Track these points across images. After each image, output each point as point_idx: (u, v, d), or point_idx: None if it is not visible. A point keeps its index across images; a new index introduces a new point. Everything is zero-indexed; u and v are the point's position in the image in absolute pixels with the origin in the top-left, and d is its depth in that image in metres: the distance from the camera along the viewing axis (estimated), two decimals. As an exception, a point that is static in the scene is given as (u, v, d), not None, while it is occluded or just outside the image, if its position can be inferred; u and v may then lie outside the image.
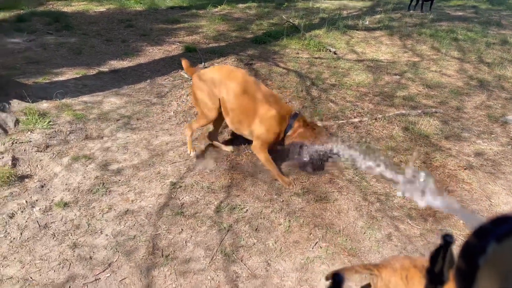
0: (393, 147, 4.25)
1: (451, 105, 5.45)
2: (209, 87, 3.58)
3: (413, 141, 4.41)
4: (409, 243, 3.04)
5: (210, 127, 4.03)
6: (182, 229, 3.06)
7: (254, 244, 2.95)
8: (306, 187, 3.60)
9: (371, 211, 3.33)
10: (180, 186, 3.50)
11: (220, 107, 3.62)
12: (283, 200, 3.41)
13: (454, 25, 9.85)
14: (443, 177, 3.83)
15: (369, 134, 4.54)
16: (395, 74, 6.51)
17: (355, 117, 4.92)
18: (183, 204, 3.31)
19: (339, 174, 3.80)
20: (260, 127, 3.52)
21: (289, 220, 3.19)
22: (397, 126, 4.74)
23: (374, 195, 3.52)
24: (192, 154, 3.90)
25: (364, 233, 3.11)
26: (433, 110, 5.19)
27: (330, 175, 3.79)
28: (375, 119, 4.86)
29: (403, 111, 5.10)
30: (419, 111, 5.12)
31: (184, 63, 3.87)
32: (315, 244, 2.97)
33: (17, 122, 4.18)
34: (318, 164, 3.78)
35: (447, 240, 0.57)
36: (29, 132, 4.05)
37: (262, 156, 3.63)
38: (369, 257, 2.87)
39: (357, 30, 9.12)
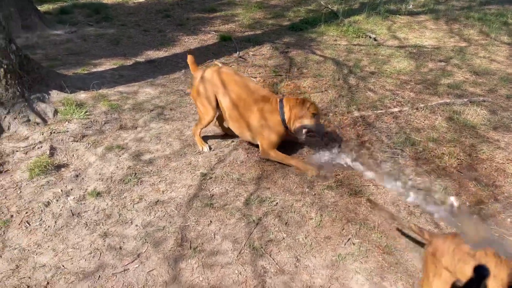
0: (435, 139, 4.00)
1: (501, 93, 5.07)
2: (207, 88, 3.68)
3: (458, 132, 4.13)
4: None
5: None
6: (211, 221, 3.02)
7: (284, 238, 2.86)
8: (340, 180, 3.46)
9: (409, 206, 3.15)
10: (211, 177, 3.46)
11: (217, 107, 3.74)
12: (315, 194, 3.29)
13: (504, 9, 9.17)
14: (490, 171, 3.56)
15: (409, 124, 4.30)
16: (440, 61, 6.15)
17: (394, 107, 4.68)
18: (212, 195, 3.27)
19: (376, 166, 3.62)
20: (258, 133, 3.62)
21: (321, 215, 3.07)
22: (440, 116, 4.46)
23: (413, 189, 3.32)
24: (205, 149, 3.87)
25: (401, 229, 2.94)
26: (481, 98, 4.84)
27: (366, 167, 3.61)
28: (416, 108, 4.60)
29: (448, 100, 4.80)
30: (465, 99, 4.79)
31: (189, 58, 3.88)
32: (348, 241, 2.84)
33: (55, 112, 4.28)
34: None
35: (481, 273, 0.46)
36: (66, 122, 4.15)
37: (274, 157, 3.61)
38: (405, 256, 2.71)
39: (399, 14, 8.69)
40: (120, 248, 2.79)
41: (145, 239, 2.85)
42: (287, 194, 3.28)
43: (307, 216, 3.06)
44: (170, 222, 3.01)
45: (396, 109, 4.60)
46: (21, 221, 3.00)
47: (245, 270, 2.62)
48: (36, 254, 2.74)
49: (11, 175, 3.46)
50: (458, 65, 5.98)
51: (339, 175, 3.52)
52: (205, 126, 3.89)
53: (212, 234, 2.90)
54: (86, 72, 5.49)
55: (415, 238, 2.78)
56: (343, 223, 2.99)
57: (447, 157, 3.72)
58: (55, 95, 4.51)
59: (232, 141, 4.01)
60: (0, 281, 2.54)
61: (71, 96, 4.55)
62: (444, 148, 3.85)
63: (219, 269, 2.63)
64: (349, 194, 3.28)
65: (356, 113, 4.52)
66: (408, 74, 5.63)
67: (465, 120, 4.35)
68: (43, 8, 8.47)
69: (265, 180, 3.45)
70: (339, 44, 6.89)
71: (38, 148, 3.79)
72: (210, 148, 3.89)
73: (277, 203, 3.18)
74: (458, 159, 3.71)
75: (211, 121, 3.84)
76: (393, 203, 3.19)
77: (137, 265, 2.66)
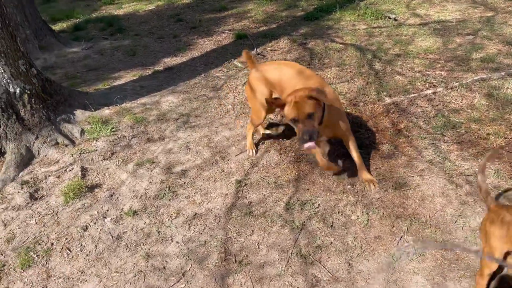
0: (477, 119, 3.77)
1: (540, 61, 4.76)
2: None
3: (500, 109, 3.88)
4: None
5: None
6: (252, 231, 2.91)
7: (332, 243, 2.73)
8: (382, 173, 3.29)
9: (460, 195, 2.95)
10: (246, 184, 3.35)
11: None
12: (357, 191, 3.14)
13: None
14: (542, 148, 3.32)
15: (446, 106, 4.07)
16: (468, 34, 5.84)
17: (427, 89, 4.45)
18: (250, 202, 3.16)
19: (417, 155, 3.43)
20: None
21: (367, 213, 2.91)
22: (478, 93, 4.21)
23: (461, 177, 3.12)
24: (251, 153, 3.74)
25: (456, 221, 2.75)
26: (519, 70, 4.56)
27: (406, 157, 3.43)
28: (451, 88, 4.36)
29: (483, 76, 4.53)
30: (502, 73, 4.51)
31: (245, 54, 3.66)
32: (400, 239, 2.68)
33: (82, 132, 4.25)
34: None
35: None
36: (94, 141, 4.11)
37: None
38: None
39: (417, -10, 8.33)
40: (164, 268, 2.71)
41: (188, 256, 2.77)
42: (328, 194, 3.14)
43: (353, 216, 2.91)
44: (211, 235, 2.91)
45: (429, 91, 4.38)
46: (62, 248, 2.96)
47: (296, 281, 2.50)
48: (81, 281, 2.70)
49: (47, 201, 3.44)
50: (488, 36, 5.66)
51: (379, 168, 3.35)
52: (255, 128, 3.78)
53: (256, 245, 2.79)
54: (107, 87, 5.45)
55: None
56: (392, 220, 2.83)
57: (493, 137, 3.49)
58: (80, 115, 4.48)
59: (263, 143, 3.89)
60: (49, 313, 2.51)
61: (96, 114, 4.52)
62: (488, 127, 3.62)
63: (269, 282, 2.52)
64: (394, 188, 3.11)
65: (387, 100, 4.32)
66: (436, 52, 5.36)
67: (506, 95, 4.09)
68: (57, 27, 8.51)
69: (303, 181, 3.31)
70: (358, 29, 6.65)
71: (70, 170, 3.76)
72: (254, 153, 3.75)
73: (319, 204, 3.04)
74: (505, 138, 3.47)
75: (261, 123, 3.73)
76: (442, 193, 3.00)
77: (183, 285, 2.57)
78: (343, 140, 3.30)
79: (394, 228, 2.77)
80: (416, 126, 3.80)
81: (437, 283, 2.35)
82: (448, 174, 3.16)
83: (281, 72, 3.33)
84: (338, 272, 2.52)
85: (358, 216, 2.91)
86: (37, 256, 2.90)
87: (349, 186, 3.19)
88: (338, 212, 2.96)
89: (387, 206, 2.96)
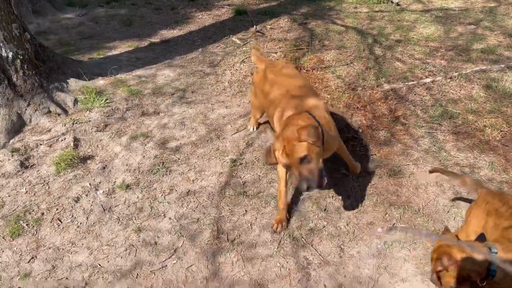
0: (474, 110, 3.77)
1: (540, 56, 4.75)
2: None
3: (498, 102, 3.89)
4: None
5: None
6: (246, 211, 2.90)
7: (324, 226, 2.74)
8: (377, 160, 3.29)
9: (454, 186, 2.97)
10: (241, 163, 3.33)
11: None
12: (352, 177, 3.13)
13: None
14: (537, 142, 3.34)
15: (444, 95, 4.06)
16: (470, 24, 5.79)
17: (426, 77, 4.43)
18: (245, 182, 3.15)
19: (413, 143, 3.43)
20: None
21: (361, 199, 2.92)
22: (477, 84, 4.20)
23: (456, 167, 3.14)
24: (250, 128, 3.73)
25: (448, 211, 2.78)
26: (519, 63, 4.54)
27: (403, 145, 3.43)
28: (450, 77, 4.34)
29: (483, 67, 4.51)
30: (502, 65, 4.50)
31: (254, 52, 3.56)
32: (392, 226, 2.70)
33: (75, 101, 4.16)
34: None
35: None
36: (87, 112, 4.03)
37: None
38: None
39: (421, -25, 8.21)
40: (156, 243, 2.71)
41: (180, 233, 2.76)
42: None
43: (346, 201, 2.92)
44: (204, 213, 2.90)
45: (428, 80, 4.35)
46: (53, 218, 2.93)
47: (287, 262, 2.51)
48: (71, 253, 2.68)
49: (38, 170, 3.39)
50: (489, 27, 5.62)
51: (375, 154, 3.35)
52: (254, 124, 3.72)
53: (249, 225, 2.79)
54: (101, 56, 5.32)
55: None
56: (385, 207, 2.85)
57: (489, 129, 3.50)
58: (74, 84, 4.38)
59: (259, 123, 3.85)
60: (39, 283, 2.50)
61: (90, 84, 4.42)
62: (485, 119, 3.63)
63: (260, 262, 2.53)
64: (388, 175, 3.11)
65: (386, 86, 4.30)
66: (437, 40, 5.32)
67: (504, 88, 4.08)
68: (51, -10, 8.23)
69: (298, 163, 3.30)
70: (360, 12, 6.55)
71: (62, 140, 3.70)
72: (253, 129, 3.73)
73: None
74: (501, 131, 3.49)
75: (257, 120, 3.67)
76: (436, 182, 3.01)
77: (174, 261, 2.57)
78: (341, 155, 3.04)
79: (386, 215, 2.79)
80: (414, 114, 3.79)
81: (427, 271, 2.38)
82: (443, 164, 3.17)
83: (273, 84, 3.05)
84: (330, 256, 2.54)
85: (351, 202, 2.91)
86: (27, 225, 2.87)
87: (344, 171, 3.19)
88: (332, 197, 2.97)
89: (381, 193, 2.97)
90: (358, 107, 3.94)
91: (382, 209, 2.83)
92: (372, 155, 3.35)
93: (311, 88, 3.13)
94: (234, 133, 3.71)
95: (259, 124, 3.77)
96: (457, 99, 3.98)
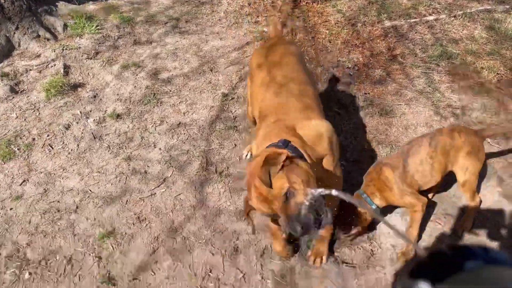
0: (474, 51, 3.67)
1: (551, -3, 4.55)
2: None
3: (498, 44, 3.78)
4: (487, 165, 2.71)
5: None
6: (235, 144, 2.93)
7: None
8: (370, 99, 3.26)
9: (443, 127, 2.98)
10: (232, 98, 3.30)
11: None
12: (343, 114, 3.13)
13: None
14: (533, 88, 3.30)
15: (446, 35, 3.93)
16: (482, -41, 5.46)
17: (430, 15, 4.25)
18: (235, 117, 3.14)
19: (408, 83, 3.38)
20: None
21: (350, 137, 2.94)
22: (480, 24, 4.06)
23: (448, 109, 3.12)
24: (244, 155, 2.92)
25: (434, 152, 2.81)
26: (527, 4, 4.36)
27: (397, 84, 3.38)
28: (454, 16, 4.18)
29: (488, 7, 4.33)
30: (507, 6, 4.31)
31: (272, 23, 2.87)
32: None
33: (65, 26, 4.03)
34: None
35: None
36: (78, 38, 3.92)
37: None
38: (438, 180, 2.62)
39: None
40: (145, 172, 2.76)
41: (170, 163, 2.80)
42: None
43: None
44: (193, 145, 2.93)
45: (431, 17, 4.19)
46: (44, 144, 2.96)
47: (272, 194, 2.58)
48: (63, 178, 2.74)
49: (28, 96, 3.36)
50: (503, -36, 5.31)
51: (368, 93, 3.31)
52: (252, 123, 2.76)
53: (237, 158, 2.83)
54: (92, -21, 5.06)
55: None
56: (373, 145, 2.87)
57: (486, 71, 3.44)
58: (63, 7, 4.21)
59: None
60: (31, 205, 2.58)
61: (80, 8, 4.25)
62: (484, 61, 3.55)
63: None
64: (379, 114, 3.11)
65: (387, 23, 4.14)
66: (445, -24, 5.04)
67: (506, 30, 3.95)
68: None
69: (290, 99, 3.27)
70: None
71: (52, 66, 3.63)
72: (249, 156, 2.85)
73: (303, 124, 3.04)
74: (498, 74, 3.43)
75: (250, 119, 2.69)
76: (426, 123, 3.02)
77: (163, 190, 2.64)
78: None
79: (374, 153, 2.82)
80: (412, 54, 3.70)
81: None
82: (435, 105, 3.16)
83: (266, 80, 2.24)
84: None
85: (341, 140, 2.93)
86: (18, 149, 2.90)
87: (336, 109, 3.18)
88: (322, 133, 2.98)
89: (370, 131, 2.98)
90: (356, 44, 3.83)
91: (370, 148, 2.86)
92: (366, 93, 3.31)
93: (315, 94, 2.26)
94: (228, 67, 3.64)
95: None
96: (458, 39, 3.87)
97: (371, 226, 2.37)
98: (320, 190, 1.44)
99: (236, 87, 3.40)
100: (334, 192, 1.31)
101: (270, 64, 2.29)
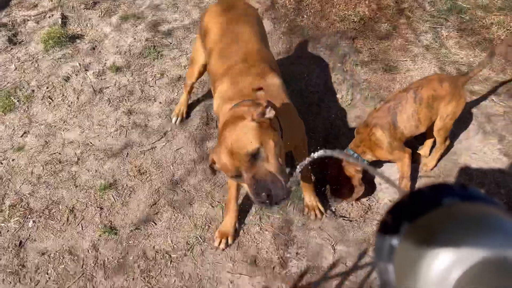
0: (485, 6, 3.53)
1: None
2: None
3: (512, -2, 3.63)
4: (488, 122, 2.69)
5: None
6: (236, 99, 2.90)
7: (311, 117, 2.76)
8: (374, 54, 3.19)
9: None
10: (234, 51, 3.23)
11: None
12: (346, 70, 3.07)
13: None
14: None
15: (456, -12, 3.78)
16: None
17: (441, -34, 4.07)
18: (237, 71, 3.09)
19: (415, 39, 3.29)
20: None
21: (352, 93, 2.90)
22: (494, -22, 3.89)
23: (454, 65, 3.06)
24: (173, 120, 2.82)
25: (437, 110, 2.78)
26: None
27: (403, 39, 3.29)
28: (467, -32, 3.99)
29: (504, -42, 4.13)
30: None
31: None
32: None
33: (62, -25, 3.88)
34: None
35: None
36: (75, -13, 3.79)
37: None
38: (439, 138, 2.60)
39: None
40: (146, 125, 2.76)
41: (170, 117, 2.79)
42: (317, 69, 3.07)
43: (338, 94, 2.90)
44: (194, 100, 2.90)
45: (443, -30, 4.01)
46: (43, 96, 2.94)
47: (272, 149, 2.58)
48: (63, 130, 2.74)
49: (26, 47, 3.30)
50: None
51: (373, 48, 3.23)
52: (188, 86, 2.69)
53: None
54: None
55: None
56: (376, 102, 2.84)
57: (495, 27, 3.33)
58: (59, -46, 4.04)
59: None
60: (32, 156, 2.60)
61: (76, -44, 4.07)
62: (494, 16, 3.42)
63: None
64: (383, 70, 3.05)
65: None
66: None
67: (521, -17, 3.78)
68: None
69: (294, 53, 3.21)
70: None
71: (49, 16, 3.54)
72: (179, 120, 2.75)
73: (305, 76, 3.00)
74: (507, 29, 3.32)
75: (193, 83, 2.65)
76: (430, 80, 2.96)
77: (164, 143, 2.65)
78: (295, 150, 2.16)
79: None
80: (420, 7, 3.57)
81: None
82: (441, 61, 3.08)
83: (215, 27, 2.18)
84: (313, 146, 2.60)
85: (342, 95, 2.90)
86: (18, 101, 2.89)
87: (338, 64, 3.11)
88: (322, 91, 2.94)
89: (373, 88, 2.94)
90: (363, -3, 3.70)
91: (372, 103, 2.82)
92: (371, 48, 3.23)
93: (270, 56, 2.19)
94: (230, 19, 3.53)
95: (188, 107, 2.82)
96: (470, -8, 3.72)
97: (369, 191, 2.37)
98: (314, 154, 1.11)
99: (238, 41, 3.31)
100: (322, 152, 1.02)
101: (227, 23, 2.17)
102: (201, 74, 2.53)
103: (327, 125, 2.71)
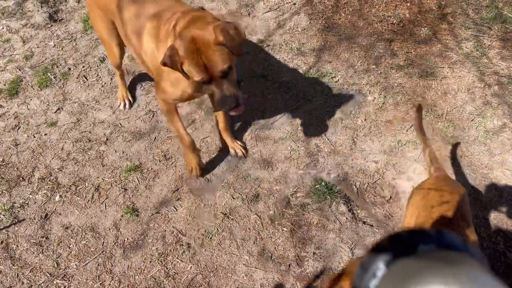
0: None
1: None
2: None
3: None
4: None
5: None
6: (263, 93, 2.89)
7: (341, 118, 2.72)
8: (411, 59, 3.11)
9: (486, 95, 2.83)
10: (268, 45, 3.21)
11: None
12: (381, 72, 3.01)
13: None
14: None
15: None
16: None
17: (490, -27, 3.91)
18: (269, 65, 3.07)
19: (455, 45, 3.19)
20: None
21: (385, 96, 2.84)
22: (545, -12, 3.71)
23: (494, 76, 2.95)
24: (122, 106, 2.85)
25: (472, 120, 2.69)
26: None
27: (442, 45, 3.20)
28: (517, -24, 3.83)
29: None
30: None
31: None
32: (411, 127, 2.66)
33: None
34: None
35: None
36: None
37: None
38: (472, 149, 2.53)
39: None
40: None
41: (199, 106, 2.81)
42: (350, 70, 3.03)
43: (370, 96, 2.85)
44: (224, 89, 2.91)
45: (491, -24, 3.86)
46: (79, 75, 3.01)
47: (298, 146, 2.57)
48: (95, 110, 2.80)
49: (66, 25, 3.38)
50: None
51: (411, 52, 3.15)
52: (116, 69, 2.70)
53: (265, 107, 2.80)
54: None
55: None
56: (408, 107, 2.77)
57: None
58: None
59: (294, 3, 3.61)
60: (64, 133, 2.67)
61: None
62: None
63: (272, 143, 2.60)
64: (419, 76, 2.97)
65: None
66: None
67: None
68: None
69: (328, 52, 3.16)
70: None
71: (90, -3, 3.60)
72: (127, 106, 2.79)
73: (338, 79, 2.96)
74: (555, 44, 3.17)
75: (119, 63, 2.62)
76: (468, 89, 2.87)
77: (191, 131, 2.67)
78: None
79: (407, 116, 2.73)
80: (464, 14, 3.45)
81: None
82: (480, 71, 2.98)
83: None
84: (341, 146, 2.57)
85: (375, 98, 2.84)
86: (54, 78, 2.97)
87: (373, 66, 3.05)
88: (356, 90, 2.89)
89: (407, 92, 2.87)
90: (404, -1, 3.60)
91: (404, 109, 2.76)
92: (408, 52, 3.15)
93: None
94: (266, 12, 3.52)
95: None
96: (518, 2, 3.57)
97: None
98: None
99: (273, 34, 3.30)
100: None
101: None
102: (122, 56, 2.56)
103: (356, 126, 2.67)
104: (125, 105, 2.79)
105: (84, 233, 2.23)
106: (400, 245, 0.46)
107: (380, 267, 0.45)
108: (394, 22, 3.36)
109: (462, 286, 0.39)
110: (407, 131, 2.63)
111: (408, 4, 3.56)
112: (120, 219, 2.28)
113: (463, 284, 0.39)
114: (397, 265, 0.44)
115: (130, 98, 2.83)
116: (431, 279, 0.40)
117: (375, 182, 2.40)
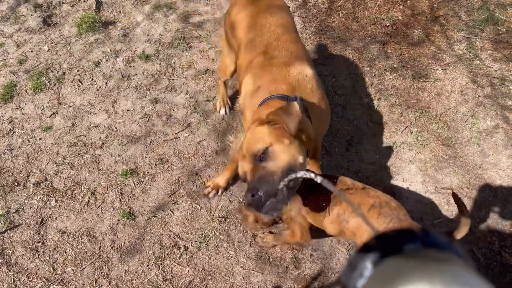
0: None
1: None
2: None
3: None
4: None
5: None
6: (261, 95, 2.89)
7: (337, 120, 2.74)
8: (404, 61, 3.14)
9: (478, 96, 2.86)
10: (263, 47, 3.22)
11: None
12: (375, 74, 3.03)
13: None
14: None
15: (495, -1, 3.68)
16: None
17: (481, -25, 3.96)
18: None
19: (448, 48, 3.22)
20: None
21: (379, 98, 2.86)
22: (536, -10, 3.76)
23: (486, 78, 2.98)
24: (222, 111, 2.84)
25: (466, 121, 2.72)
26: None
27: (435, 47, 3.23)
28: (508, -21, 3.88)
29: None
30: None
31: None
32: (405, 128, 2.68)
33: (99, -39, 3.94)
34: None
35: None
36: (111, -27, 3.84)
37: None
38: (465, 150, 2.55)
39: None
40: (170, 116, 2.78)
41: (195, 109, 2.81)
42: (344, 71, 3.04)
43: (364, 98, 2.87)
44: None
45: (482, -21, 3.90)
46: (74, 79, 3.00)
47: (294, 149, 2.58)
48: (90, 114, 2.80)
49: (60, 30, 3.37)
50: None
51: (404, 54, 3.18)
52: (224, 81, 2.69)
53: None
54: None
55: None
56: (403, 109, 2.80)
57: None
58: None
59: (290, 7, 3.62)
60: (59, 137, 2.66)
61: None
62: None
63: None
64: (412, 78, 2.99)
65: None
66: None
67: None
68: None
69: (322, 55, 3.18)
70: None
71: (84, 1, 3.60)
72: (228, 111, 2.79)
73: (333, 81, 2.97)
74: (546, 45, 3.22)
75: (228, 79, 2.61)
76: (461, 91, 2.90)
77: (187, 134, 2.67)
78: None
79: (402, 117, 2.75)
80: (456, 16, 3.49)
81: (428, 174, 2.42)
82: (473, 73, 3.01)
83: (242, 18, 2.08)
84: (334, 148, 2.58)
85: (369, 100, 2.86)
86: (49, 82, 2.96)
87: (367, 68, 3.08)
88: (350, 93, 2.91)
89: (401, 94, 2.89)
90: (397, 1, 3.63)
91: (398, 110, 2.79)
92: (401, 54, 3.18)
93: (297, 46, 1.93)
94: (261, 15, 3.53)
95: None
96: (508, 4, 3.61)
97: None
98: (302, 172, 1.22)
99: (267, 37, 3.31)
100: (318, 179, 1.03)
101: (253, 15, 2.04)
102: (232, 74, 2.49)
103: (351, 128, 2.69)
104: (225, 110, 2.78)
105: (80, 238, 2.22)
106: (387, 245, 0.47)
107: (367, 266, 0.46)
108: (388, 24, 3.39)
109: (448, 285, 0.39)
110: (401, 132, 2.65)
111: (401, 6, 3.59)
112: (117, 223, 2.27)
113: (448, 283, 0.40)
114: (384, 265, 0.45)
115: (230, 104, 2.81)
116: (417, 279, 0.40)
117: (371, 184, 2.42)
